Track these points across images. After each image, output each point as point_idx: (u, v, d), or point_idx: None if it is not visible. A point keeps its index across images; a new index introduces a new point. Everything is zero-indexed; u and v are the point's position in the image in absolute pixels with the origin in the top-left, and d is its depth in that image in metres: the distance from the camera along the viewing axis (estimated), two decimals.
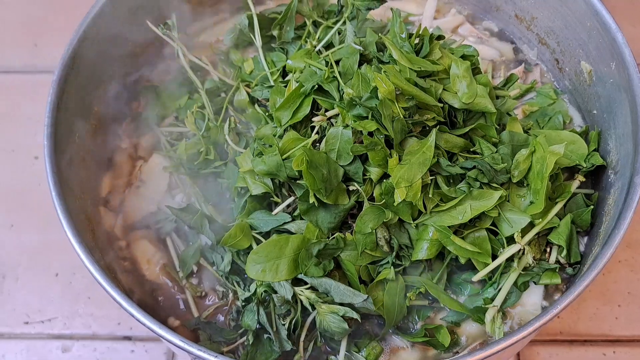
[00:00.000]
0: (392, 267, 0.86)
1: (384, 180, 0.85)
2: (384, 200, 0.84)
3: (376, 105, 0.83)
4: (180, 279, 0.94)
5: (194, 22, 1.16)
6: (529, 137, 0.91)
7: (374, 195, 0.86)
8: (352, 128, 0.85)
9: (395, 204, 0.82)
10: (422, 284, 0.86)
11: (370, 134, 0.84)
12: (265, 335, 0.85)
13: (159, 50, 1.13)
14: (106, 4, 0.99)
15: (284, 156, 0.87)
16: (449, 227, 0.84)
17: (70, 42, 0.93)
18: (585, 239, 0.94)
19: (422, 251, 0.85)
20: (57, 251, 1.23)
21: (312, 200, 0.83)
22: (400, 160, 0.84)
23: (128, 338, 1.15)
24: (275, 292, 0.84)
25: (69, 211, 0.82)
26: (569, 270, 0.91)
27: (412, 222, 0.85)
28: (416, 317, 0.90)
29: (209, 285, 0.94)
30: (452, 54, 0.94)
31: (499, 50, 1.15)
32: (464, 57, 0.94)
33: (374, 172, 0.85)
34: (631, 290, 1.15)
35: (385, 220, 0.84)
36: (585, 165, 0.93)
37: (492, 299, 0.87)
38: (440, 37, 0.95)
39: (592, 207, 0.92)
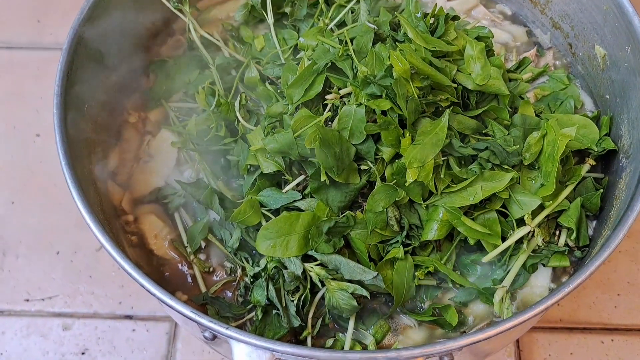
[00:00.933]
0: (401, 246, 0.86)
1: (396, 160, 0.84)
2: (395, 180, 0.84)
3: (391, 84, 0.82)
4: (188, 255, 0.93)
5: None
6: (541, 120, 0.90)
7: (385, 175, 0.86)
8: (365, 107, 0.84)
9: (406, 184, 0.82)
10: (431, 263, 0.86)
11: (384, 113, 0.84)
12: (274, 311, 0.84)
13: (169, 25, 1.12)
14: None
15: (296, 134, 0.86)
16: (459, 208, 0.84)
17: (81, 11, 0.92)
18: (594, 223, 0.94)
19: (432, 232, 0.85)
20: (58, 229, 1.22)
21: (323, 178, 0.82)
22: (413, 140, 0.83)
23: (129, 317, 1.14)
24: (285, 268, 0.84)
25: (78, 181, 0.81)
26: (578, 253, 0.91)
27: (422, 202, 0.85)
28: (424, 297, 0.89)
29: (217, 261, 0.93)
30: (467, 35, 0.93)
31: (512, 33, 1.13)
32: (478, 38, 0.93)
33: (386, 152, 0.84)
34: (631, 279, 1.16)
35: (397, 199, 0.84)
36: (596, 150, 0.93)
37: (501, 280, 0.87)
38: (455, 18, 0.94)
39: (601, 190, 0.92)
